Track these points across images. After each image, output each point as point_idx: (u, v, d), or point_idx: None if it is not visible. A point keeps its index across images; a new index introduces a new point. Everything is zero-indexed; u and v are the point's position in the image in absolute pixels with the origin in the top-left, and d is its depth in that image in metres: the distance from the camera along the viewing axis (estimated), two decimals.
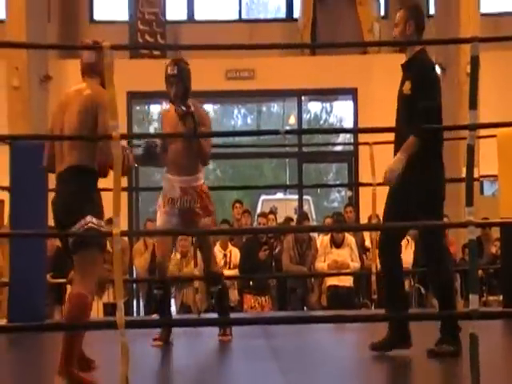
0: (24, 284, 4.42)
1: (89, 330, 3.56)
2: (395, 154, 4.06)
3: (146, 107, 16.54)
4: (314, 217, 12.80)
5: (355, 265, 7.96)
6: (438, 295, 4.21)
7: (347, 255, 7.98)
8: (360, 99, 11.27)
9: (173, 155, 4.78)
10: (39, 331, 3.68)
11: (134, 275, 9.23)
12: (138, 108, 13.40)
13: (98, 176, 3.69)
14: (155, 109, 17.19)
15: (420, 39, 4.19)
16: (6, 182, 5.45)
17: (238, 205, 9.25)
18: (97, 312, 8.39)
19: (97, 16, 12.03)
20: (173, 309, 9.02)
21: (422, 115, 3.92)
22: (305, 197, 12.54)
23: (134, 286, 9.54)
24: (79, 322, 3.28)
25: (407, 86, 4.06)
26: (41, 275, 5.20)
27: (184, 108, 4.71)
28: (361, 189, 10.57)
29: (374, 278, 6.42)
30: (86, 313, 3.44)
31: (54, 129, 3.77)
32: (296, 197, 12.32)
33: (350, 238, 8.07)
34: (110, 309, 8.13)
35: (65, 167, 3.63)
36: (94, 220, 3.58)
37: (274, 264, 8.20)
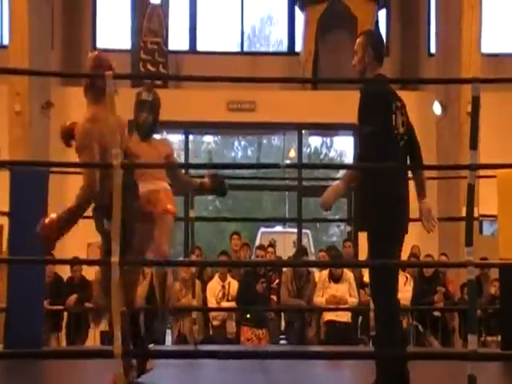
0: (21, 310, 4.38)
1: (85, 359, 3.52)
2: (357, 192, 3.99)
3: None
4: (312, 251, 12.77)
5: (353, 300, 7.91)
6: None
7: (345, 290, 7.93)
8: None
9: None
10: (35, 358, 3.64)
11: None
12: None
13: None
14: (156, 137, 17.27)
15: (379, 66, 4.01)
16: (6, 207, 5.43)
17: (235, 236, 9.22)
18: (93, 340, 8.33)
19: (99, 44, 12.12)
20: (169, 338, 8.97)
21: (366, 142, 3.82)
22: (304, 230, 12.52)
23: None
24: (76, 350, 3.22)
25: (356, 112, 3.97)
26: (38, 301, 5.17)
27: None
28: None
29: (372, 313, 6.36)
30: None
31: None
32: (295, 230, 12.30)
33: (348, 273, 8.03)
34: (106, 337, 8.06)
35: None
36: None
37: (272, 297, 8.16)
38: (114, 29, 12.23)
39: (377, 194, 3.74)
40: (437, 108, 10.68)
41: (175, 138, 15.71)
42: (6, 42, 10.66)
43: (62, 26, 11.62)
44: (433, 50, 11.79)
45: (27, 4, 10.06)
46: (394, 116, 3.88)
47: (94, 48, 12.07)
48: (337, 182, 3.79)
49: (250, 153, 20.21)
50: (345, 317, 7.97)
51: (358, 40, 4.04)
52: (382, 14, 12.35)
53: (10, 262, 4.59)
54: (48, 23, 10.72)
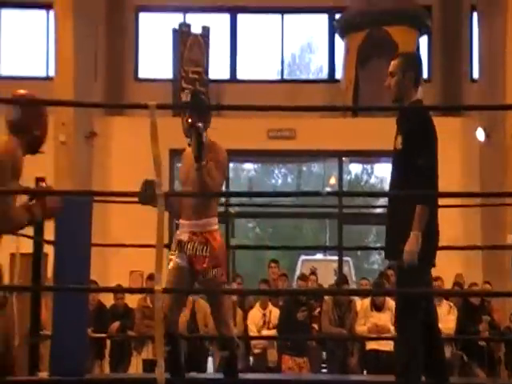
0: (66, 338, 4.42)
1: None
2: (389, 220, 3.76)
3: None
4: (353, 279, 12.67)
5: None
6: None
7: (388, 319, 7.83)
8: None
9: (184, 198, 4.43)
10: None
11: None
12: (179, 165, 13.55)
13: None
14: None
15: (416, 92, 3.81)
16: (51, 236, 5.51)
17: (273, 264, 9.19)
18: (136, 368, 8.35)
19: (141, 74, 12.31)
20: (210, 366, 8.96)
21: (419, 175, 3.57)
22: (345, 258, 12.45)
23: None
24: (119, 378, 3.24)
25: (399, 140, 3.72)
26: (83, 329, 5.20)
27: (190, 120, 4.31)
28: None
29: None
30: None
31: None
32: (336, 258, 12.23)
33: (391, 302, 7.93)
34: (148, 365, 8.08)
35: None
36: None
37: (313, 325, 8.11)
38: (155, 59, 12.42)
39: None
40: (480, 134, 10.57)
41: None
42: (51, 73, 10.91)
43: (105, 58, 11.85)
44: (475, 75, 11.71)
45: (72, 38, 10.30)
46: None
47: (136, 78, 12.26)
48: (411, 234, 3.56)
49: (289, 180, 20.24)
50: (387, 346, 7.87)
51: (395, 61, 3.81)
52: (424, 40, 12.32)
53: (54, 289, 4.65)
54: (91, 56, 10.95)
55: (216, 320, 4.41)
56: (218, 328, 4.41)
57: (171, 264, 4.42)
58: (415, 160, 3.59)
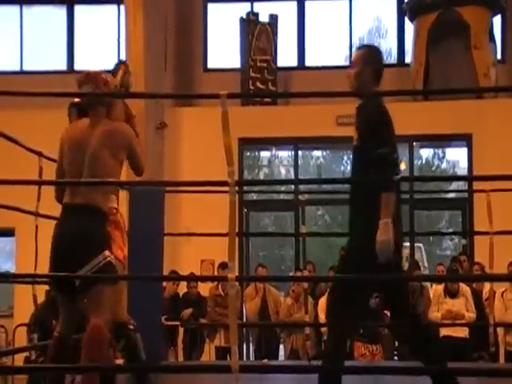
0: (142, 326, 4.53)
1: (204, 373, 3.59)
2: (352, 213, 3.69)
3: (257, 153, 16.81)
4: (425, 265, 12.51)
5: (471, 315, 7.69)
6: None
7: (462, 305, 7.73)
8: (475, 145, 11.00)
9: None
10: (157, 372, 3.75)
11: (244, 319, 9.28)
12: (248, 154, 13.63)
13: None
14: (265, 154, 17.47)
15: (376, 86, 3.77)
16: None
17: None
18: (209, 355, 8.48)
19: (210, 64, 12.41)
20: (281, 354, 9.02)
21: (382, 163, 3.53)
22: (416, 244, 12.29)
23: (244, 330, 9.58)
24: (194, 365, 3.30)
25: (355, 134, 3.69)
26: (157, 318, 5.32)
27: None
28: (476, 237, 10.26)
29: (491, 329, 6.16)
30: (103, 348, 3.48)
31: None
32: (407, 244, 12.09)
33: (465, 288, 7.82)
34: (221, 352, 8.19)
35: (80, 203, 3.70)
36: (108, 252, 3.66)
37: (385, 312, 8.05)
38: (224, 49, 12.50)
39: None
40: None
41: (285, 154, 15.87)
42: None
43: (174, 50, 11.98)
44: None
45: (142, 31, 10.45)
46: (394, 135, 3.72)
47: (205, 68, 12.37)
48: (380, 222, 3.47)
49: None
50: (462, 332, 7.76)
51: (357, 52, 3.83)
52: (497, 21, 11.99)
53: (129, 278, 4.76)
54: (161, 48, 11.08)
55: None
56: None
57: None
58: (375, 151, 3.54)
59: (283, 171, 17.87)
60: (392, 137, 3.67)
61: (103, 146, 3.79)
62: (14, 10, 12.43)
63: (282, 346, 9.08)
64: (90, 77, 3.97)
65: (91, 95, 3.94)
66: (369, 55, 3.79)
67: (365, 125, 3.66)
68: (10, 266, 11.67)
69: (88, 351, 3.48)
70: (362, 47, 3.89)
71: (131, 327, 4.26)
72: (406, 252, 12.16)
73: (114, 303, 3.73)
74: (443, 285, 7.83)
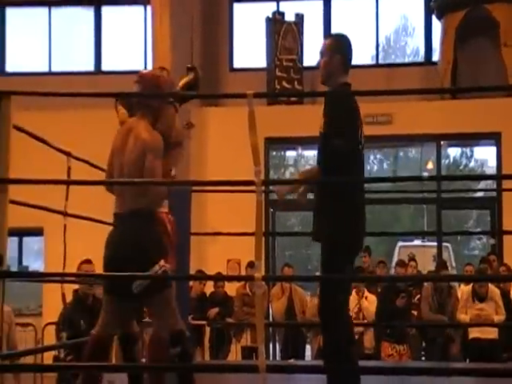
0: None
1: (230, 373, 3.60)
2: (316, 204, 3.71)
3: (283, 152, 16.81)
4: (453, 265, 12.42)
5: (501, 318, 7.59)
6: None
7: (492, 309, 7.63)
8: (504, 144, 10.89)
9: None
10: (183, 371, 3.77)
11: (271, 319, 9.28)
12: (274, 153, 13.62)
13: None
14: (291, 154, 17.45)
15: (345, 74, 3.82)
16: None
17: (363, 254, 9.13)
18: (235, 355, 8.49)
19: (236, 64, 12.42)
20: (308, 354, 9.00)
21: (334, 154, 3.56)
22: (444, 244, 12.20)
23: (270, 330, 9.58)
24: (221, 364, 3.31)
25: (321, 122, 3.71)
26: (184, 317, 5.34)
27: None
28: (504, 236, 10.17)
29: None
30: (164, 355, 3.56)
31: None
32: (435, 244, 12.01)
33: (494, 291, 7.71)
34: (247, 352, 8.19)
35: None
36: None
37: (413, 312, 8.01)
38: (249, 48, 12.50)
39: (336, 207, 3.57)
40: None
41: (311, 153, 15.83)
42: (149, 67, 11.17)
43: (201, 50, 12.01)
44: None
45: (169, 31, 10.50)
46: (360, 129, 3.73)
47: (231, 68, 12.39)
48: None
49: (385, 166, 19.97)
50: (491, 333, 7.68)
51: (325, 42, 3.85)
52: None
53: (156, 278, 4.78)
54: (188, 48, 11.12)
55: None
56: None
57: None
58: (333, 142, 3.57)
59: None
60: (351, 128, 3.66)
61: (136, 151, 3.78)
62: (42, 11, 12.55)
63: (308, 346, 9.06)
64: (140, 77, 4.00)
65: (118, 96, 3.96)
66: (336, 44, 3.84)
67: (327, 113, 3.68)
68: (39, 265, 11.79)
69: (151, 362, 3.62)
70: (329, 37, 3.97)
71: (187, 335, 4.33)
72: (433, 251, 12.08)
73: (173, 310, 3.80)
74: (471, 287, 7.75)
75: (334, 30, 12.37)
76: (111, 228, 3.86)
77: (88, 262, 6.06)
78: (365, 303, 8.16)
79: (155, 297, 3.68)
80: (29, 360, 6.46)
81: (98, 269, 5.83)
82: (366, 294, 8.23)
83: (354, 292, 8.27)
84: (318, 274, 10.93)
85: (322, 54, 3.82)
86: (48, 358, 7.56)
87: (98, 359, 3.64)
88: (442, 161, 12.44)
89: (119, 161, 3.83)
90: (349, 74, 3.87)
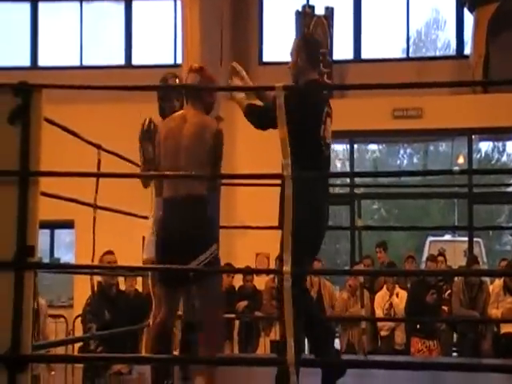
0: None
1: (258, 366, 3.61)
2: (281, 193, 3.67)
3: None
4: (485, 260, 12.29)
5: None
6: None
7: None
8: None
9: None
10: (212, 364, 3.79)
11: None
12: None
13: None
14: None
15: (313, 71, 4.02)
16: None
17: (378, 249, 9.08)
18: (263, 349, 8.50)
19: (266, 58, 12.39)
20: (337, 348, 8.98)
21: (293, 152, 3.46)
22: (475, 239, 12.08)
23: None
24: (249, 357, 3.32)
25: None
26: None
27: None
28: None
29: None
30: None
31: None
32: (466, 239, 11.90)
33: None
34: (276, 346, 8.20)
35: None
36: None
37: (443, 308, 7.95)
38: (279, 42, 12.47)
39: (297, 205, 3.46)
40: None
41: (340, 147, 15.78)
42: (179, 61, 11.21)
43: (230, 43, 12.01)
44: None
45: (199, 25, 10.52)
46: (323, 125, 3.81)
47: (260, 61, 12.37)
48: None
49: (415, 160, 19.81)
50: None
51: (293, 42, 4.03)
52: None
53: (186, 270, 4.80)
54: (217, 41, 11.13)
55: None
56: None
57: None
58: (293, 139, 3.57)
59: (339, 165, 17.77)
60: (311, 125, 3.80)
61: (196, 135, 3.84)
62: (74, 5, 12.65)
63: (337, 341, 9.04)
64: (201, 68, 4.13)
65: (147, 89, 3.99)
66: (302, 44, 4.02)
67: (287, 110, 3.66)
68: (70, 258, 11.92)
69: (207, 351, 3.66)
70: (296, 38, 4.18)
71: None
72: (464, 247, 11.97)
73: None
74: (503, 281, 7.67)
75: (364, 24, 12.30)
76: (160, 213, 3.87)
77: (110, 253, 6.11)
78: (395, 300, 8.11)
79: (203, 282, 3.72)
80: (60, 351, 6.54)
81: (121, 260, 5.89)
82: (398, 290, 8.19)
83: (384, 288, 8.23)
84: (346, 267, 10.90)
85: (291, 55, 4.05)
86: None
87: (161, 348, 3.69)
88: (474, 155, 12.31)
89: (174, 147, 3.84)
90: (317, 67, 4.11)
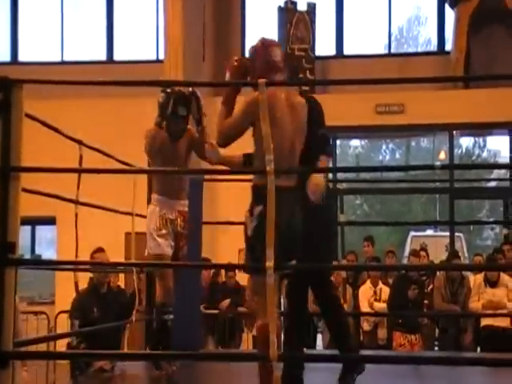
0: (182, 314, 4.56)
1: (242, 362, 3.60)
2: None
3: None
4: (466, 255, 12.38)
5: None
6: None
7: (503, 295, 7.62)
8: None
9: (175, 177, 4.96)
10: (195, 360, 3.78)
11: (282, 309, 9.27)
12: None
13: None
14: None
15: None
16: None
17: (366, 243, 9.09)
18: (247, 345, 8.50)
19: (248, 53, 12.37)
20: (319, 343, 9.00)
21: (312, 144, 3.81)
22: (456, 234, 12.16)
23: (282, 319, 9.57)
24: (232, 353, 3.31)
25: None
26: (197, 305, 5.35)
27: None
28: None
29: None
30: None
31: None
32: (447, 234, 11.98)
33: (506, 278, 7.71)
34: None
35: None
36: None
37: (425, 302, 7.99)
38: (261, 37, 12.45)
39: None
40: None
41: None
42: (161, 56, 11.17)
43: (213, 39, 11.99)
44: None
45: (181, 20, 10.48)
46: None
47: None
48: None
49: (398, 156, 19.91)
50: (504, 321, 7.66)
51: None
52: None
53: (169, 266, 4.80)
54: (200, 37, 11.11)
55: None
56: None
57: (162, 243, 4.73)
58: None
59: None
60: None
61: (302, 120, 3.77)
62: None
63: (320, 336, 9.06)
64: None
65: (128, 84, 3.95)
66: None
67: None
68: (51, 254, 11.86)
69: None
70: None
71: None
72: (445, 241, 12.05)
73: None
74: (483, 274, 7.73)
75: (346, 20, 12.32)
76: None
77: (101, 250, 6.07)
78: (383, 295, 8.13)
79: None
80: (41, 348, 6.50)
81: (111, 257, 5.86)
82: (381, 285, 8.21)
83: (368, 282, 8.25)
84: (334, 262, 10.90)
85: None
86: (61, 346, 7.61)
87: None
88: (455, 151, 12.40)
89: (287, 133, 3.64)
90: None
